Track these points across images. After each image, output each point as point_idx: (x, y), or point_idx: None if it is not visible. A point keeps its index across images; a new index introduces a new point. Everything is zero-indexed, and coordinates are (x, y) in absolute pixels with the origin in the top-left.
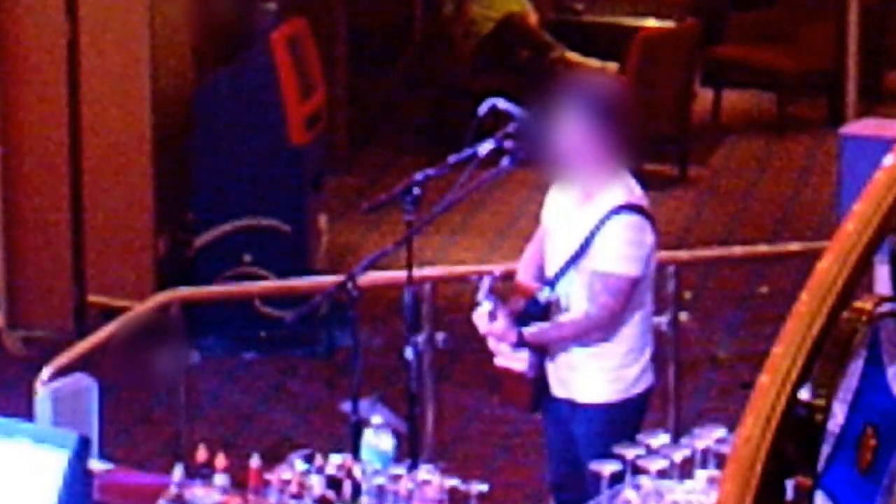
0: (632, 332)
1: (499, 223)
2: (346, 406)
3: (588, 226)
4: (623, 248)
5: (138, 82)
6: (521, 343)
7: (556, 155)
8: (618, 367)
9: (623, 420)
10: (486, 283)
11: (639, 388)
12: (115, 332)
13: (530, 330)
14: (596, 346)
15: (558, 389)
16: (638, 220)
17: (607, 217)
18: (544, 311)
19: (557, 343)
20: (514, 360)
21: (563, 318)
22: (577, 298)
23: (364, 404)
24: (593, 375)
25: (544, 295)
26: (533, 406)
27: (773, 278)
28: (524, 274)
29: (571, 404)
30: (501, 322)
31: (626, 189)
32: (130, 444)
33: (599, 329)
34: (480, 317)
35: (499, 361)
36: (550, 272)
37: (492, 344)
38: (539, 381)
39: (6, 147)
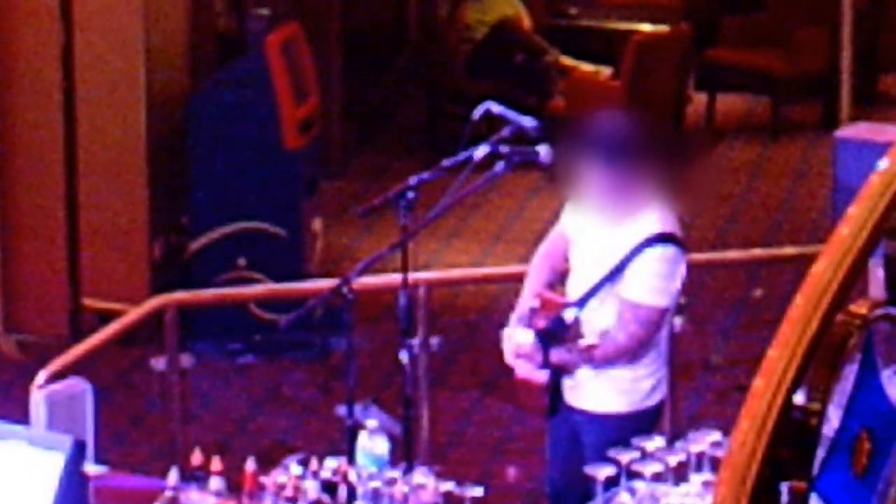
0: (650, 350)
1: (493, 227)
2: (342, 410)
3: (620, 251)
4: (656, 281)
5: (133, 86)
6: (546, 365)
7: (586, 195)
8: (632, 379)
9: (634, 431)
10: (524, 314)
11: (652, 401)
12: (111, 335)
13: (558, 354)
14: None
15: (571, 398)
16: (673, 252)
17: (642, 247)
18: (568, 331)
19: (582, 364)
20: (535, 374)
21: (589, 341)
22: (601, 320)
23: (358, 408)
24: (606, 386)
25: (571, 315)
26: (551, 410)
27: (768, 282)
28: (537, 277)
29: (583, 414)
30: (530, 345)
31: (660, 216)
32: (126, 448)
33: (627, 356)
34: (509, 338)
35: (519, 373)
36: (574, 287)
37: (511, 358)
38: (555, 387)
39: (2, 151)
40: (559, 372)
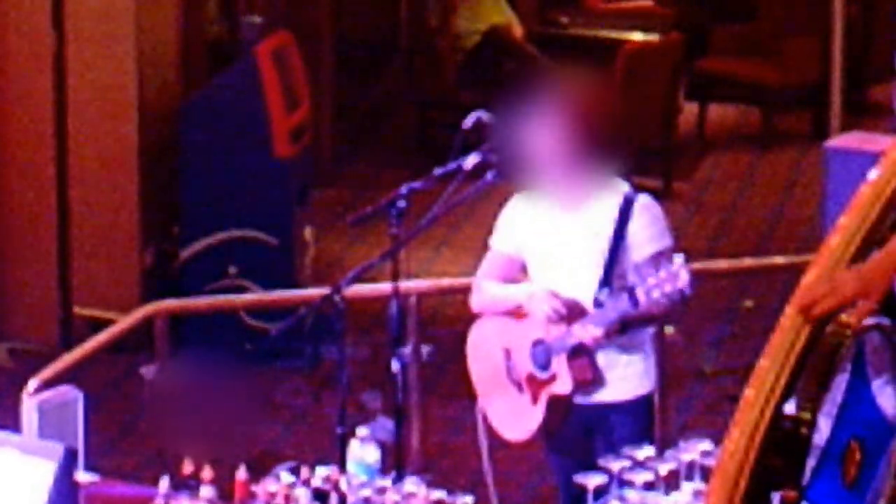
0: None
1: (484, 236)
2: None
3: (602, 222)
4: (659, 225)
5: (125, 94)
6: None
7: (541, 169)
8: (642, 358)
9: (650, 413)
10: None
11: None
12: (102, 343)
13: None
14: (621, 341)
15: (595, 394)
16: (647, 198)
17: (626, 208)
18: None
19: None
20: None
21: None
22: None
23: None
24: (626, 371)
25: (603, 296)
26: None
27: (759, 292)
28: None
29: (607, 405)
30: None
31: (616, 184)
32: (117, 456)
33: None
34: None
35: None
36: (559, 285)
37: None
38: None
39: None
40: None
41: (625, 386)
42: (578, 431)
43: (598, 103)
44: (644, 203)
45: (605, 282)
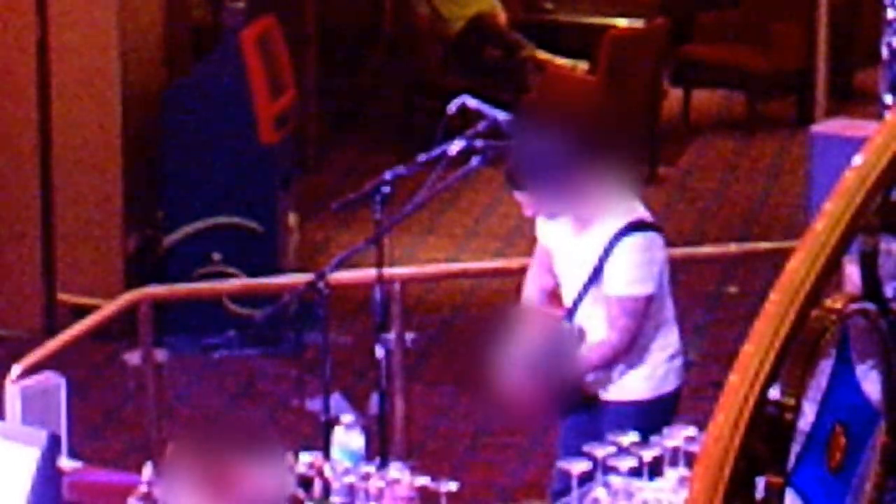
0: (658, 333)
1: (468, 222)
2: (315, 404)
3: (595, 253)
4: (634, 272)
5: (108, 81)
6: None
7: (540, 199)
8: (650, 365)
9: (656, 418)
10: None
11: (670, 386)
12: (85, 330)
13: (561, 383)
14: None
15: (595, 388)
16: (643, 238)
17: (614, 242)
18: (568, 346)
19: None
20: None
21: (586, 349)
22: (596, 324)
23: (335, 398)
24: (627, 373)
25: (566, 328)
26: (564, 412)
27: (743, 278)
28: (532, 296)
29: (605, 403)
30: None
31: (626, 209)
32: (100, 443)
33: (625, 352)
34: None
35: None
36: (567, 297)
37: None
38: (570, 390)
39: None
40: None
41: (618, 386)
42: (584, 424)
43: (582, 98)
44: (630, 244)
45: (571, 314)
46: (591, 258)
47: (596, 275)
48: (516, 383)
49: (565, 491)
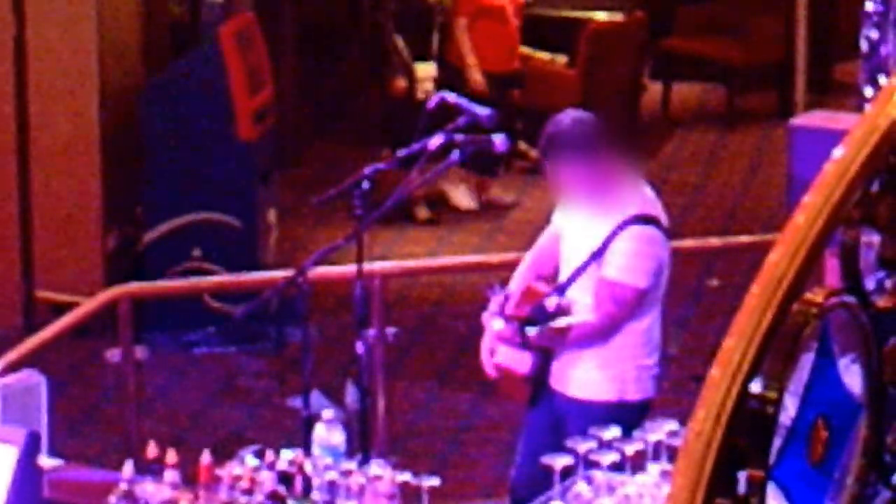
0: (635, 339)
1: (448, 217)
2: (295, 402)
3: (601, 236)
4: (631, 260)
5: (86, 77)
6: (525, 345)
7: (558, 191)
8: (617, 367)
9: (617, 422)
10: (498, 299)
11: (637, 395)
12: (64, 327)
13: (534, 332)
14: (599, 346)
15: (557, 382)
16: (651, 232)
17: (621, 227)
18: (551, 318)
19: (560, 344)
20: (516, 362)
21: (566, 321)
22: (585, 305)
23: (314, 396)
24: (592, 372)
25: (552, 302)
26: (531, 400)
27: (724, 271)
28: (526, 272)
29: (568, 399)
30: (507, 327)
31: (641, 199)
32: (80, 441)
33: (601, 335)
34: (488, 321)
35: (500, 359)
36: (563, 276)
37: (493, 343)
38: (538, 377)
39: None
40: (543, 359)
41: (583, 384)
42: (548, 418)
43: (561, 92)
44: (637, 232)
45: (562, 289)
46: (594, 241)
47: (595, 257)
48: (500, 353)
49: (528, 484)
